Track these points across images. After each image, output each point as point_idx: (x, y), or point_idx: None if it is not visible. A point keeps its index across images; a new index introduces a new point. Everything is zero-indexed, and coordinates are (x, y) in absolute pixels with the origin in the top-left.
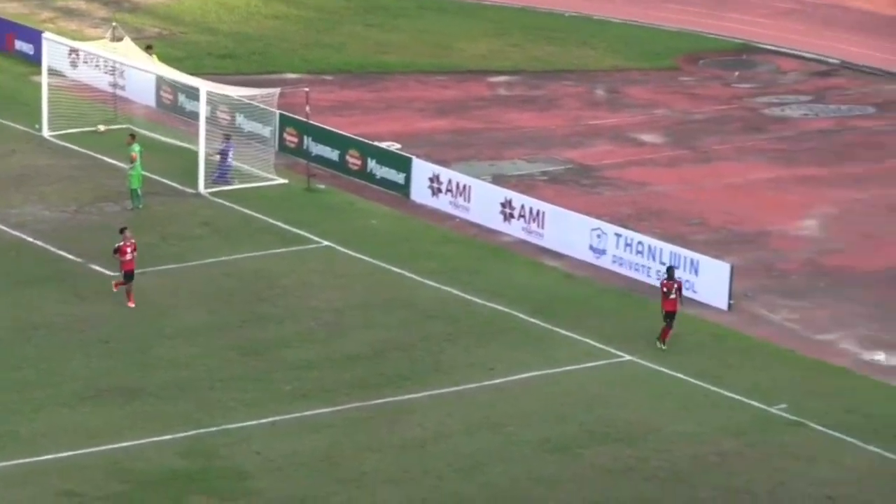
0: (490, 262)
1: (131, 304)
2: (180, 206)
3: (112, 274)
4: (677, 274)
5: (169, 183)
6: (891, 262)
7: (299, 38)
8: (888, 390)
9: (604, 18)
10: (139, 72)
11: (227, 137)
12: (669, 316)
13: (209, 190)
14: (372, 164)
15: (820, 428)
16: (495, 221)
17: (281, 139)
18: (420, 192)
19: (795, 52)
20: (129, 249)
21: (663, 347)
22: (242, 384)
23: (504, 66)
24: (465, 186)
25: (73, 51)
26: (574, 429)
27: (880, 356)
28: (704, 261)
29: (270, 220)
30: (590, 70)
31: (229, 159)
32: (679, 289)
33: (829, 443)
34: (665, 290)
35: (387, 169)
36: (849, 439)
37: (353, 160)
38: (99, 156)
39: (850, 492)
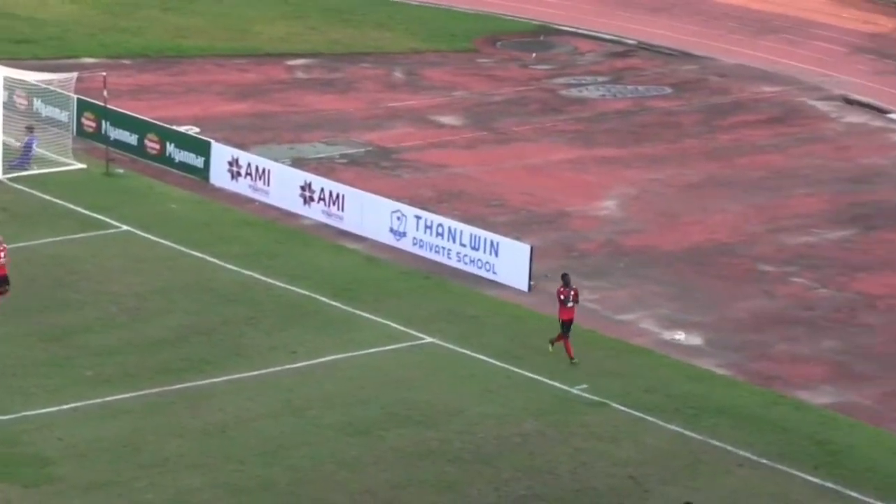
0: (291, 246)
1: None
2: None
3: None
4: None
5: None
6: (689, 241)
7: (97, 22)
8: (688, 369)
9: (401, 1)
10: None
11: (31, 129)
12: (566, 325)
13: (7, 175)
14: (171, 148)
15: (621, 408)
16: (295, 205)
17: (79, 124)
18: (219, 176)
19: (593, 34)
20: (1, 254)
21: (575, 361)
22: (44, 370)
23: (302, 49)
24: (264, 170)
25: None
26: (376, 412)
27: (680, 335)
28: (504, 242)
29: (69, 205)
30: (388, 52)
31: (33, 152)
32: (576, 296)
33: (630, 422)
34: (562, 297)
35: (186, 153)
36: (650, 419)
37: (151, 144)
38: None
39: (651, 471)
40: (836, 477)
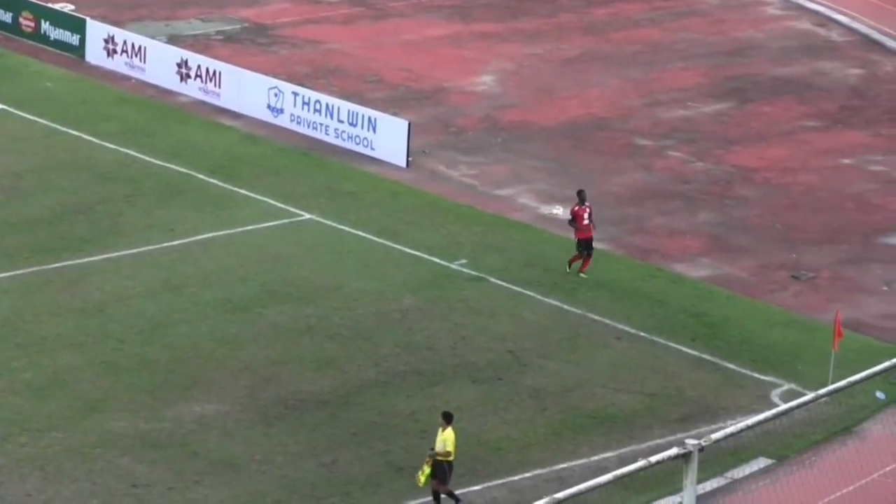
0: (168, 123)
1: None
2: None
3: None
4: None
5: None
6: (566, 116)
7: None
8: (566, 244)
9: None
10: None
11: None
12: (586, 244)
13: None
14: (46, 25)
15: (500, 282)
16: (172, 82)
17: None
18: (95, 54)
19: None
20: None
21: (584, 276)
22: None
23: None
24: (140, 47)
25: None
26: (255, 289)
27: (558, 210)
28: (382, 118)
29: None
30: None
31: None
32: (590, 213)
33: (509, 297)
34: (587, 215)
35: (61, 31)
36: (529, 293)
37: (26, 22)
38: None
39: (530, 345)
40: (713, 348)
